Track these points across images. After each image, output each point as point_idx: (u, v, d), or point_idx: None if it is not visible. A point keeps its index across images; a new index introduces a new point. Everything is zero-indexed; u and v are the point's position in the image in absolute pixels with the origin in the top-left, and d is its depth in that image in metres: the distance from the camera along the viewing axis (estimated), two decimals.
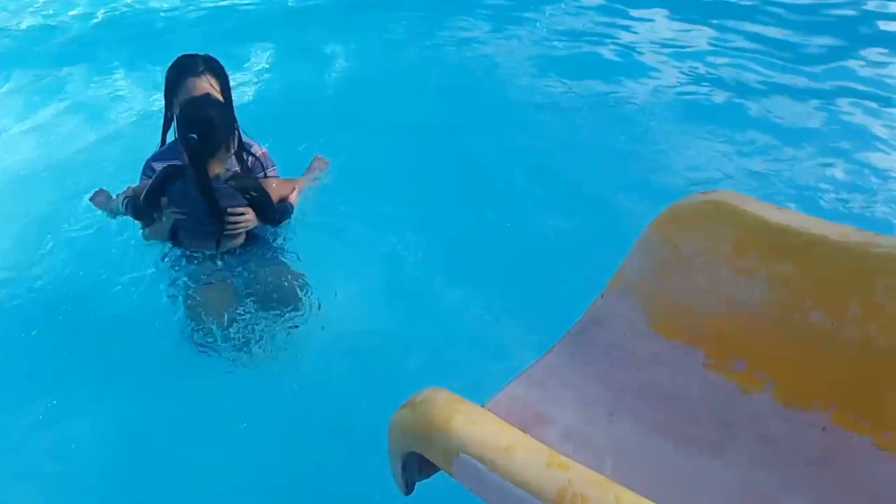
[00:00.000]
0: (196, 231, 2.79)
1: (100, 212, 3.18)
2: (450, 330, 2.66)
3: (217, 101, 2.69)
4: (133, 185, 2.92)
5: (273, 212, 2.82)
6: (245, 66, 5.16)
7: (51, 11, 6.28)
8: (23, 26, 6.06)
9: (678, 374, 1.53)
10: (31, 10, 6.33)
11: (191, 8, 6.24)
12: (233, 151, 2.72)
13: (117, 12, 6.25)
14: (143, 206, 2.76)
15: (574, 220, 3.23)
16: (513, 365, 1.67)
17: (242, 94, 4.56)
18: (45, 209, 3.60)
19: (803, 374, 1.41)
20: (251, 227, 2.80)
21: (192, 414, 2.55)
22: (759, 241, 1.44)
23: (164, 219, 2.80)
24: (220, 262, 2.82)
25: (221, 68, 2.86)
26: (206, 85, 2.77)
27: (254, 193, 2.72)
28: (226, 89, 2.85)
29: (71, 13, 6.21)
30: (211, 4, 6.26)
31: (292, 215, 2.96)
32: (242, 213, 2.73)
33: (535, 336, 1.82)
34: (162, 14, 6.13)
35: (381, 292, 2.94)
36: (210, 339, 2.71)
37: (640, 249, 1.60)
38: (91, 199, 3.23)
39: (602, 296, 1.65)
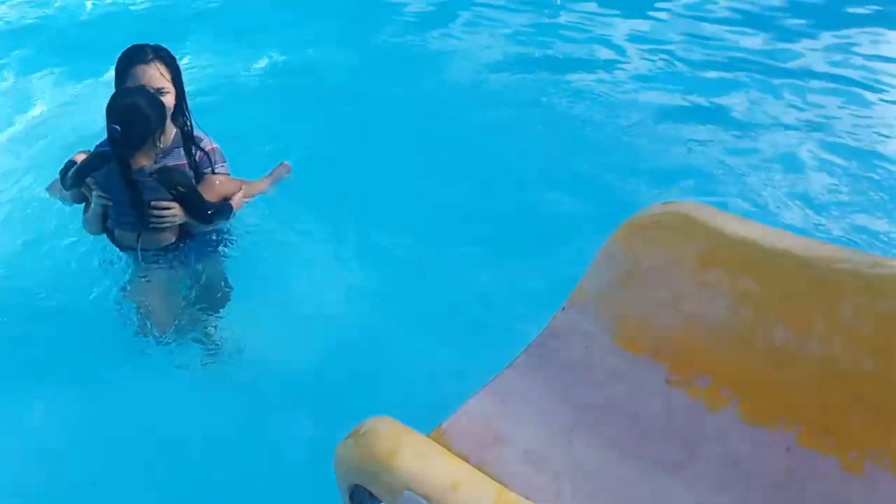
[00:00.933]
0: (121, 222, 2.73)
1: (55, 205, 3.10)
2: (410, 343, 2.58)
3: (148, 93, 2.61)
4: (82, 151, 2.87)
5: (203, 209, 2.73)
6: (215, 61, 5.05)
7: (20, 12, 6.13)
8: None
9: (640, 390, 1.48)
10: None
11: (167, 6, 6.10)
12: (160, 146, 2.65)
13: (89, 12, 6.09)
14: (69, 179, 2.70)
15: (538, 230, 3.16)
16: (473, 380, 1.62)
17: (211, 90, 4.45)
18: (7, 206, 3.51)
19: (768, 391, 1.37)
20: (177, 222, 2.73)
21: (123, 413, 2.47)
22: (722, 255, 1.39)
23: (92, 203, 2.74)
24: (140, 260, 2.76)
25: (172, 57, 2.78)
26: (156, 73, 2.69)
27: (181, 189, 2.64)
28: (177, 79, 2.77)
29: (36, 13, 6.05)
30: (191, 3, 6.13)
31: (230, 216, 2.87)
32: (167, 208, 2.66)
33: (497, 348, 1.77)
34: (133, 11, 5.99)
35: (330, 303, 2.85)
36: (145, 338, 2.65)
37: (601, 261, 1.54)
38: (47, 189, 3.15)
39: (563, 308, 1.60)
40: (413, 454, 1.08)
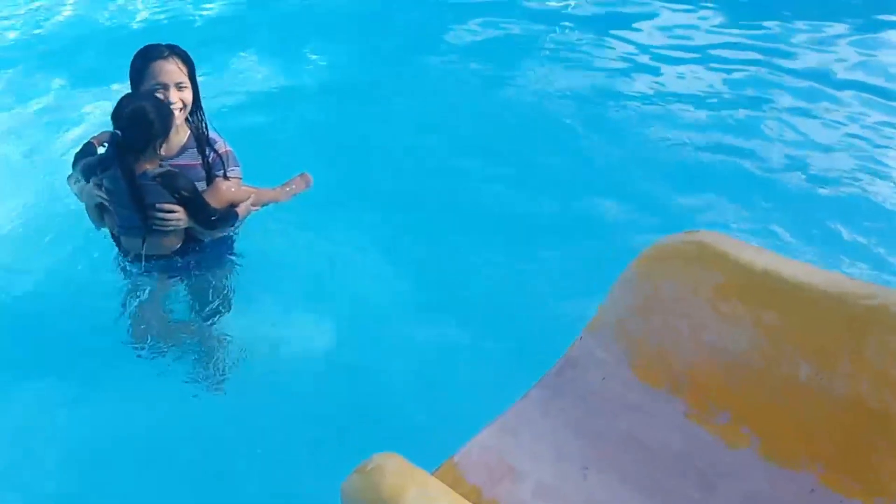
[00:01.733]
0: (126, 227, 2.74)
1: (72, 213, 3.10)
2: (420, 368, 2.51)
3: (156, 99, 2.61)
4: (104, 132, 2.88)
5: (207, 215, 2.71)
6: (244, 71, 5.06)
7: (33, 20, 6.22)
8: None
9: (658, 424, 1.44)
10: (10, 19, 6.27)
11: (186, 13, 6.15)
12: (162, 153, 2.66)
13: (101, 21, 6.17)
14: (83, 166, 2.72)
15: (559, 255, 3.05)
16: (487, 410, 1.58)
17: (229, 98, 4.45)
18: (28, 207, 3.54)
19: (790, 429, 1.32)
20: (181, 226, 2.73)
21: (117, 423, 2.44)
22: (743, 287, 1.35)
23: (85, 195, 2.76)
24: (145, 267, 2.76)
25: (187, 54, 2.79)
26: (174, 68, 2.69)
27: (184, 193, 2.64)
28: (193, 76, 2.79)
29: (46, 23, 6.13)
30: (206, 12, 6.17)
31: (235, 224, 2.85)
32: (171, 211, 2.67)
33: (512, 377, 1.72)
34: (153, 23, 6.04)
35: (343, 320, 2.77)
36: (147, 348, 2.63)
37: (620, 290, 1.51)
38: (68, 179, 3.16)
39: (581, 337, 1.56)
40: (419, 495, 1.05)
